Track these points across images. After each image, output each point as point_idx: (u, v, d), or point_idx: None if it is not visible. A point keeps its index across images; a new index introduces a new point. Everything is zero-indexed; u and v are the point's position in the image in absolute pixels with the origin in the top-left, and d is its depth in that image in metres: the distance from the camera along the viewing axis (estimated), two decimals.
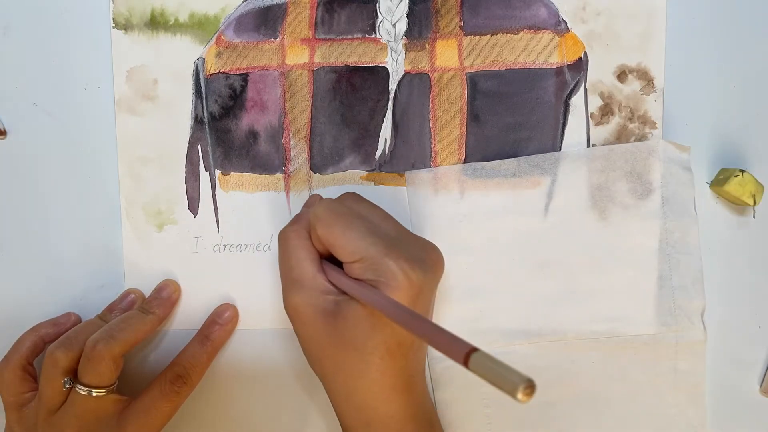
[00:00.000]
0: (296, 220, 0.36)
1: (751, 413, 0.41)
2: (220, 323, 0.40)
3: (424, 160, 0.40)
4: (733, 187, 0.38)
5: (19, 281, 0.42)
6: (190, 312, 0.41)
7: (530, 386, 0.22)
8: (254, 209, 0.41)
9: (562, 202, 0.40)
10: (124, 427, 0.36)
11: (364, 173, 0.41)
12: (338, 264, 0.34)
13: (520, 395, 0.22)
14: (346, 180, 0.41)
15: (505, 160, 0.40)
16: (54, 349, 0.36)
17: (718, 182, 0.39)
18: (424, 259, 0.33)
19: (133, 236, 0.41)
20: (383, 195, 0.41)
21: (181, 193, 0.41)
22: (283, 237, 0.35)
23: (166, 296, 0.40)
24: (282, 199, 0.41)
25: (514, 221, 0.40)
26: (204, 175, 0.41)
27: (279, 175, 0.41)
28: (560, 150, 0.40)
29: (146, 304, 0.39)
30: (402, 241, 0.33)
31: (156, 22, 0.41)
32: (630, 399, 0.40)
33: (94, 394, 0.35)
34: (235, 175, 0.41)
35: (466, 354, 0.24)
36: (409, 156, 0.41)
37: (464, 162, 0.40)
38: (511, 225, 0.40)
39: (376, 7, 0.40)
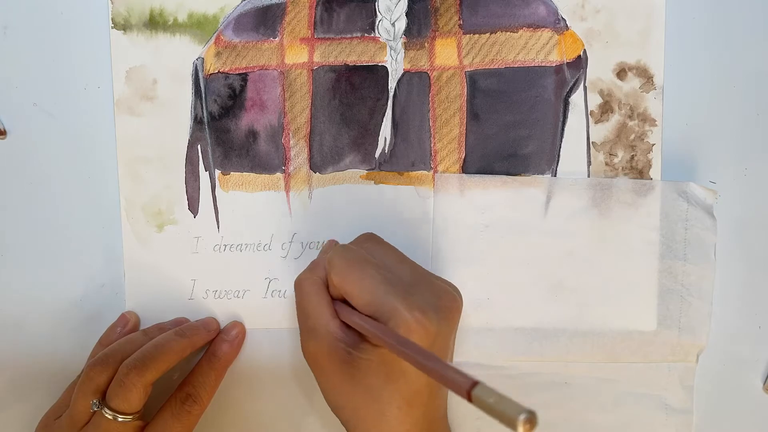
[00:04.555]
0: (312, 266, 0.36)
1: (753, 412, 0.41)
2: (227, 341, 0.40)
3: (424, 158, 0.40)
4: None
5: (19, 281, 0.41)
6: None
7: (531, 419, 0.22)
8: (254, 209, 0.41)
9: (571, 225, 0.40)
10: None
11: (363, 172, 0.41)
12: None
13: (520, 428, 0.21)
14: (346, 179, 0.41)
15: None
16: (92, 366, 0.36)
17: None
18: (439, 306, 0.32)
19: (133, 236, 0.41)
20: (383, 194, 0.41)
21: (181, 193, 0.41)
22: (299, 285, 0.35)
23: (201, 324, 0.40)
24: (282, 198, 0.41)
25: (534, 240, 0.40)
26: (204, 175, 0.41)
27: (279, 174, 0.41)
28: (560, 147, 0.40)
29: (182, 328, 0.39)
30: (417, 286, 0.33)
31: (155, 22, 0.41)
32: None
33: (120, 419, 0.35)
34: (234, 175, 0.41)
35: (468, 388, 0.24)
36: (409, 155, 0.40)
37: (464, 161, 0.40)
38: (529, 241, 0.40)
39: (375, 5, 0.40)
